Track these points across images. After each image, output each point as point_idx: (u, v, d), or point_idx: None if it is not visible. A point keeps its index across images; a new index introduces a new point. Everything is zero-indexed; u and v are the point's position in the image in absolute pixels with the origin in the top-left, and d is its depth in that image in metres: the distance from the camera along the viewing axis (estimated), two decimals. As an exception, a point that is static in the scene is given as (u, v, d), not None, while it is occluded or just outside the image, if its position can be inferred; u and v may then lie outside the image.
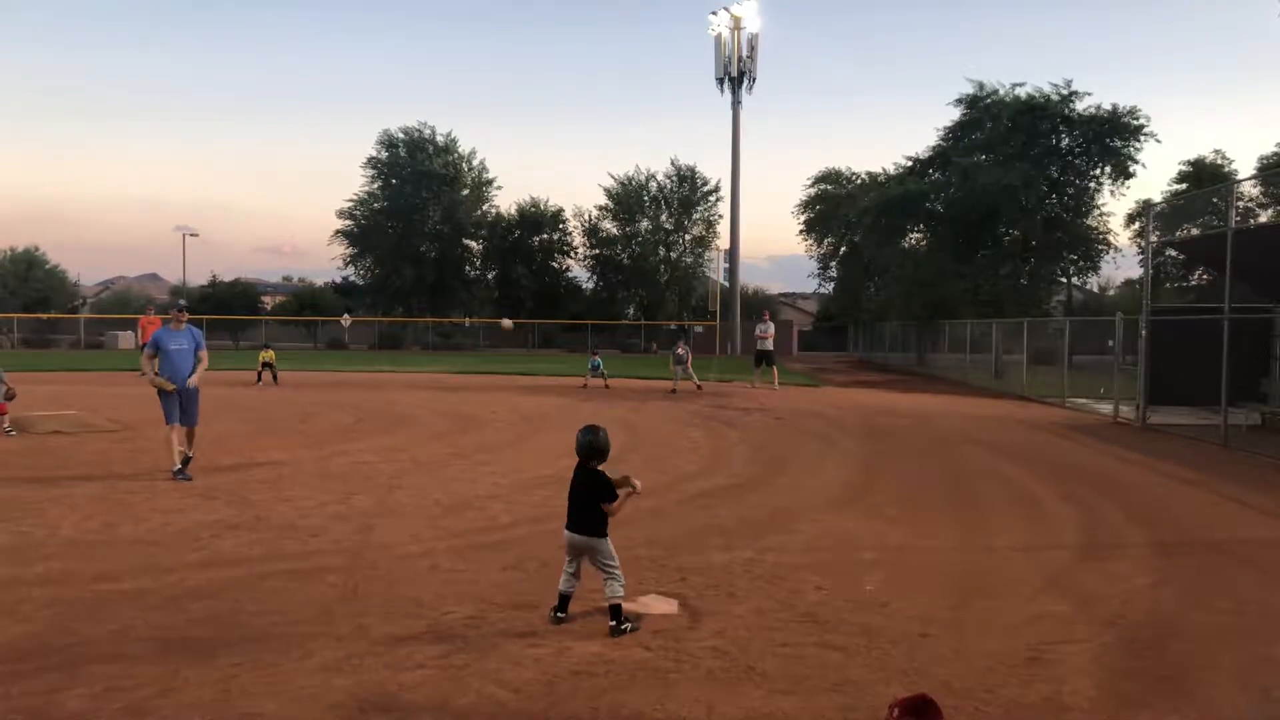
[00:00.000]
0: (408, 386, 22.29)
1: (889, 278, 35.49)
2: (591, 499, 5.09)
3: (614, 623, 4.93)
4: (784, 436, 13.64)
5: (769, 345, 23.37)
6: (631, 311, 55.81)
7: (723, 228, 53.30)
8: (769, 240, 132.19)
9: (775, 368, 23.28)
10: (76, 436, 12.30)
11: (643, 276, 53.64)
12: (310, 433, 13.21)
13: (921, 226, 35.23)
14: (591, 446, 5.28)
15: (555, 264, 56.06)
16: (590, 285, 56.58)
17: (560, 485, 9.25)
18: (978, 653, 4.77)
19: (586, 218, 55.12)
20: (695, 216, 54.41)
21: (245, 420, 14.46)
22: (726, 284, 51.07)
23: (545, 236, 55.40)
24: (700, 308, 54.09)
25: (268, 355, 23.03)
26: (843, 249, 45.44)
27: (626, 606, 5.30)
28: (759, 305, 52.59)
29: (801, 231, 48.48)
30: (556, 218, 55.21)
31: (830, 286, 50.07)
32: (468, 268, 56.09)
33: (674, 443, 12.71)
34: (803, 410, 17.60)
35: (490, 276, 56.17)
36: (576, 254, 56.23)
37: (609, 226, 54.93)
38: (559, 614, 5.09)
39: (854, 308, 44.30)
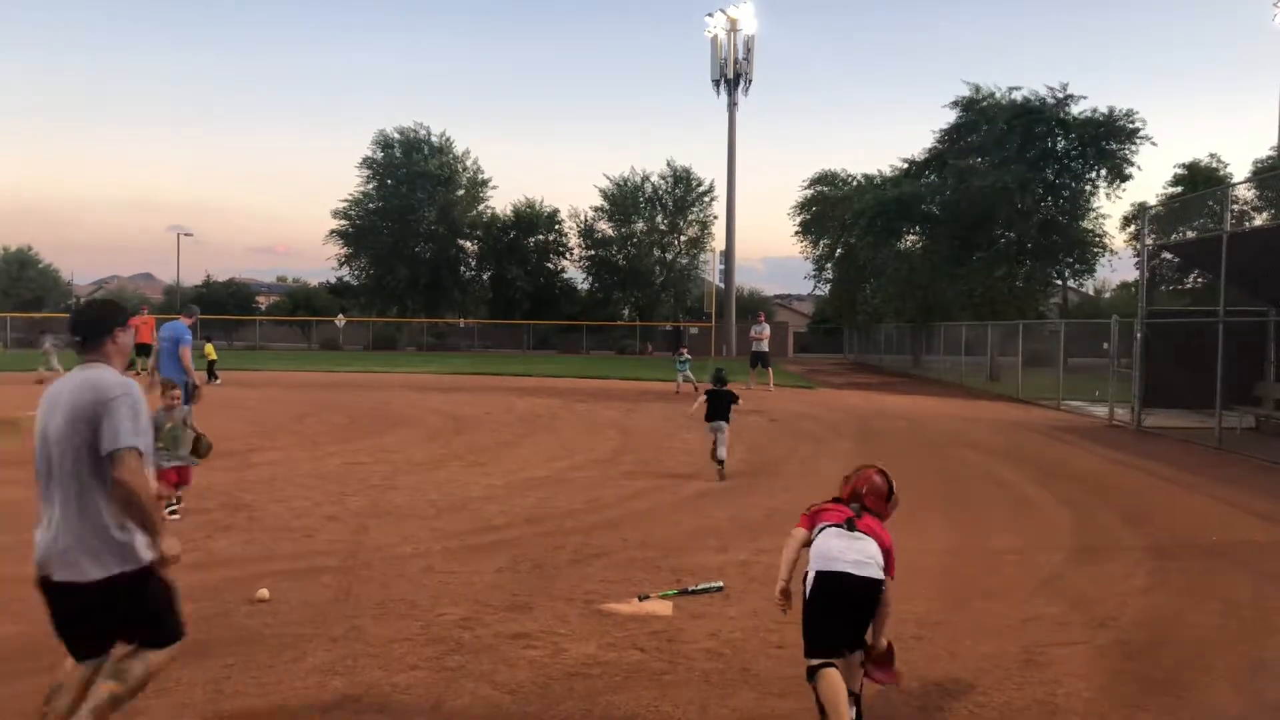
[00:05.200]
0: (402, 387, 22.26)
1: (884, 280, 35.47)
2: (729, 401, 10.29)
3: (720, 468, 9.94)
4: (779, 438, 13.66)
5: (764, 347, 23.39)
6: (627, 313, 55.77)
7: (718, 229, 53.36)
8: (764, 242, 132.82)
9: (771, 369, 23.32)
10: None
11: (638, 278, 53.53)
12: (304, 433, 13.19)
13: (917, 229, 35.25)
14: (718, 379, 10.67)
15: (551, 265, 55.97)
16: (586, 286, 56.50)
17: (556, 485, 9.31)
18: (973, 654, 4.78)
19: (582, 219, 55.05)
20: (690, 218, 54.31)
21: (239, 420, 14.42)
22: (722, 286, 51.10)
23: (540, 237, 55.28)
24: (696, 309, 54.09)
25: (207, 350, 22.00)
26: (838, 251, 45.37)
27: (621, 609, 5.36)
28: (754, 307, 52.61)
29: (797, 233, 48.33)
30: (552, 219, 55.12)
31: (826, 288, 49.99)
32: (463, 268, 55.95)
33: (668, 444, 12.72)
34: (798, 412, 17.61)
35: (485, 277, 56.07)
36: (572, 255, 56.13)
37: (604, 227, 54.83)
38: (721, 468, 9.97)
39: (849, 310, 44.26)
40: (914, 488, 9.57)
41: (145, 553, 3.27)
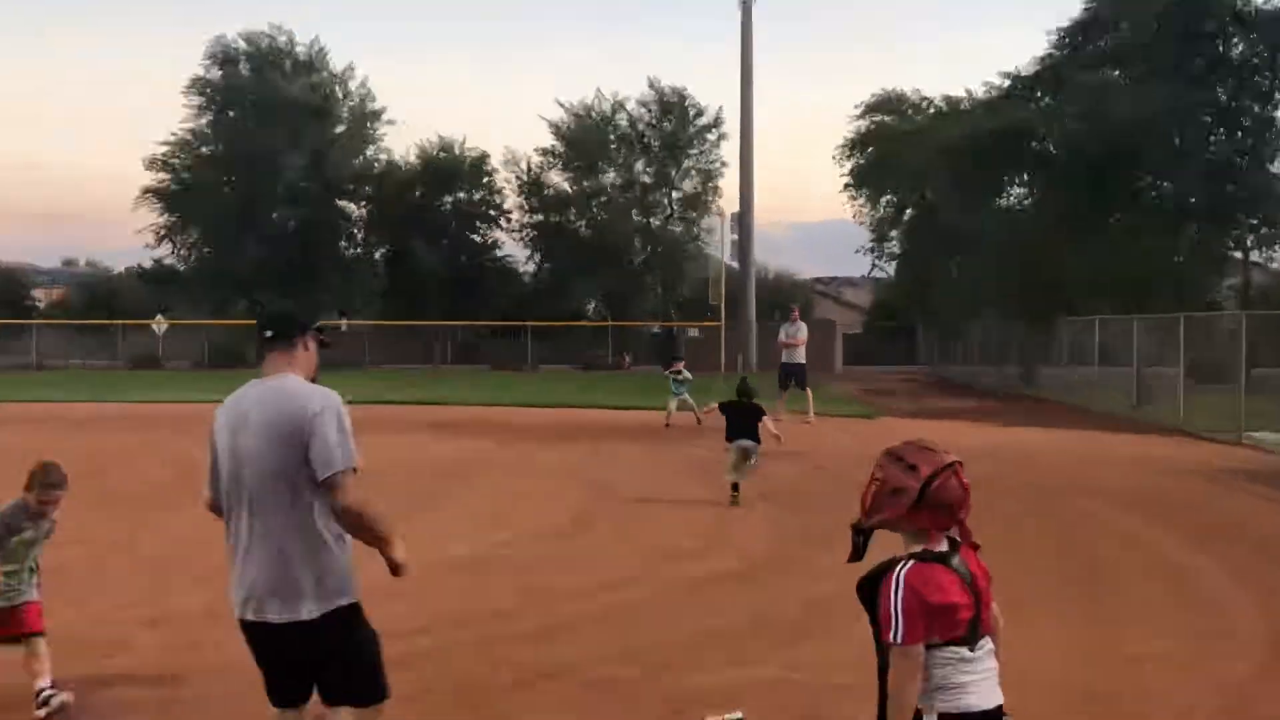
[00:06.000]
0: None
1: (978, 254, 35.64)
2: (755, 418, 12.74)
3: (735, 494, 12.50)
4: (823, 494, 13.70)
5: (799, 357, 23.42)
6: (593, 307, 55.71)
7: (729, 182, 53.36)
8: (797, 201, 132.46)
9: (809, 390, 23.31)
10: None
11: (609, 255, 53.38)
12: (109, 494, 13.10)
13: (1026, 177, 35.48)
14: (744, 391, 13.32)
15: (477, 236, 55.92)
16: (530, 268, 56.48)
17: (489, 569, 9.31)
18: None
19: (524, 168, 55.07)
20: (686, 165, 54.38)
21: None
22: (735, 265, 51.07)
23: (461, 196, 55.21)
24: (696, 302, 53.99)
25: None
26: (908, 212, 45.52)
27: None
28: (784, 298, 52.53)
29: (847, 186, 48.38)
30: (478, 167, 55.02)
31: (890, 269, 50.09)
32: (344, 243, 55.81)
33: (658, 505, 12.77)
34: (851, 453, 17.61)
35: (378, 255, 55.95)
36: (509, 222, 56.14)
37: (557, 180, 54.92)
38: (735, 494, 12.48)
39: (926, 300, 44.38)
40: (1023, 561, 9.62)
41: (355, 588, 4.32)
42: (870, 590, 3.60)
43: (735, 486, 12.52)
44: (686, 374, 22.54)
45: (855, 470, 15.47)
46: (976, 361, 41.17)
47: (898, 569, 3.57)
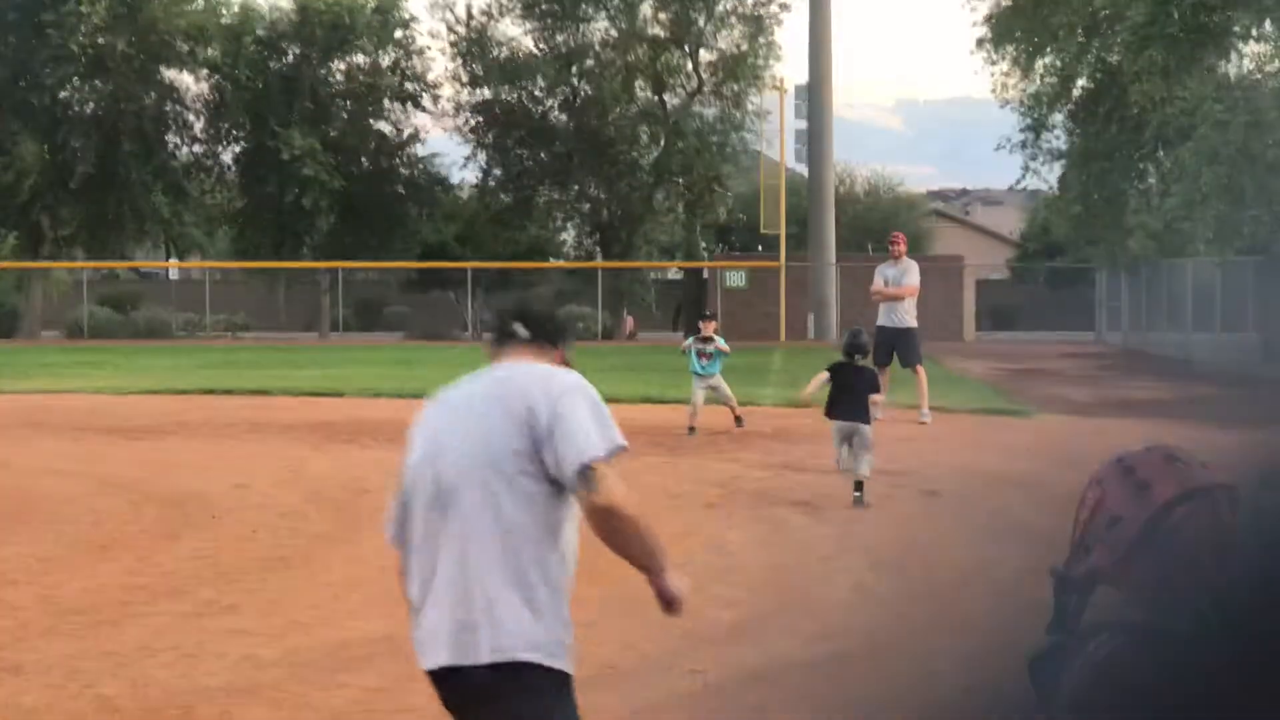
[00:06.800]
0: (34, 425, 22.45)
1: (1191, 150, 35.55)
2: (865, 388, 14.71)
3: (858, 494, 14.68)
4: (940, 535, 13.68)
5: (906, 317, 23.37)
6: (571, 238, 55.81)
7: (792, 37, 53.43)
8: (904, 67, 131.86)
9: (922, 371, 23.22)
10: None
11: (598, 155, 53.72)
12: None
13: (1269, 25, 35.45)
14: (855, 345, 15.39)
15: (385, 126, 56.05)
16: (471, 176, 56.60)
17: (392, 657, 9.23)
18: None
19: (461, 15, 55.17)
20: (722, 7, 54.30)
21: None
22: (801, 168, 51.00)
23: (360, 61, 55.35)
24: (741, 228, 54.02)
25: None
26: (1080, 83, 45.47)
27: None
28: (882, 223, 52.42)
29: (982, 43, 48.32)
30: (386, 16, 54.97)
31: (1052, 175, 49.99)
32: (174, 139, 55.89)
33: (679, 556, 12.71)
34: (986, 471, 17.61)
35: (227, 157, 56.07)
36: (436, 103, 56.20)
37: (514, 35, 55.17)
38: (859, 494, 14.72)
39: (1110, 226, 44.26)
40: None
41: (569, 656, 4.56)
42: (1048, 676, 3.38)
43: (857, 485, 14.57)
44: (720, 342, 22.23)
45: (991, 496, 15.59)
46: (1189, 324, 41.16)
47: (1089, 650, 3.36)
